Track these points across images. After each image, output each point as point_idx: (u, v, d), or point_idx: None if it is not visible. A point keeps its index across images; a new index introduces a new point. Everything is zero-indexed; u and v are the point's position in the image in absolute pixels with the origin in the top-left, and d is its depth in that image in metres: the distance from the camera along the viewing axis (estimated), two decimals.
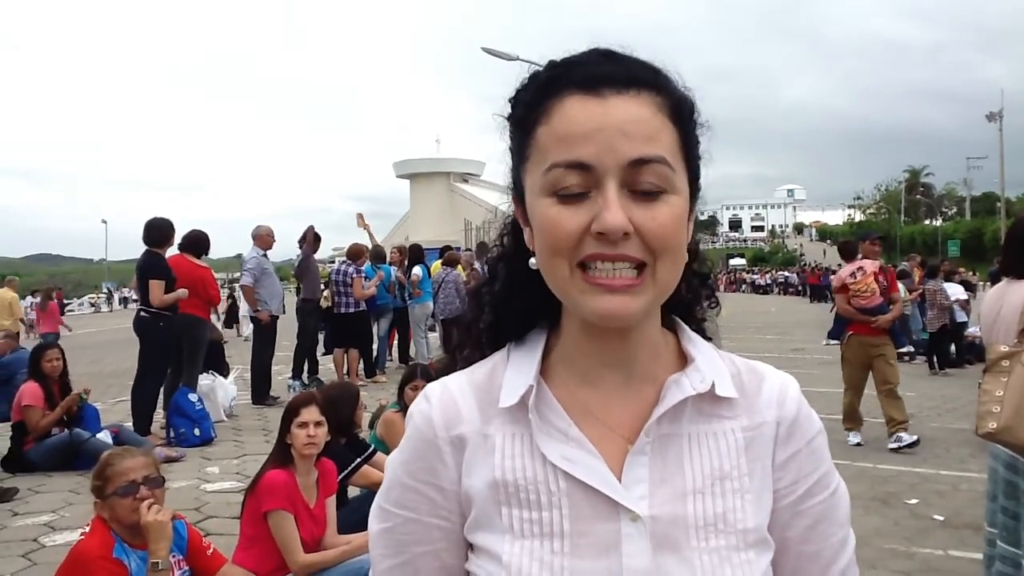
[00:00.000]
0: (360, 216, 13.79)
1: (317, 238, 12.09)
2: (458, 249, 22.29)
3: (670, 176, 0.86)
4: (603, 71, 0.88)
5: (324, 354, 12.52)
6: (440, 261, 14.13)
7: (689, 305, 1.05)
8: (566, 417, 0.93)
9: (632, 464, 0.90)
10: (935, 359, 13.65)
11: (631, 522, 0.87)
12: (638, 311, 0.87)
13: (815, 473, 0.97)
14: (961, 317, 13.53)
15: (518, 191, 0.96)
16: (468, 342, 1.06)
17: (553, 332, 0.99)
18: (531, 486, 0.90)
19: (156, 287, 8.11)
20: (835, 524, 0.98)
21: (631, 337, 0.94)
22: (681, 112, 0.91)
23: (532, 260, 0.93)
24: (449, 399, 0.97)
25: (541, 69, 0.94)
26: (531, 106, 0.91)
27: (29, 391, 7.00)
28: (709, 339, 1.05)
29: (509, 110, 0.96)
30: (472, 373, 1.00)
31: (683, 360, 0.98)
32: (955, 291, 13.93)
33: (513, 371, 0.96)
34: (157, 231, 8.48)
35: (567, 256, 0.86)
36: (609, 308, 0.86)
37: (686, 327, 1.02)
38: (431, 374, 5.53)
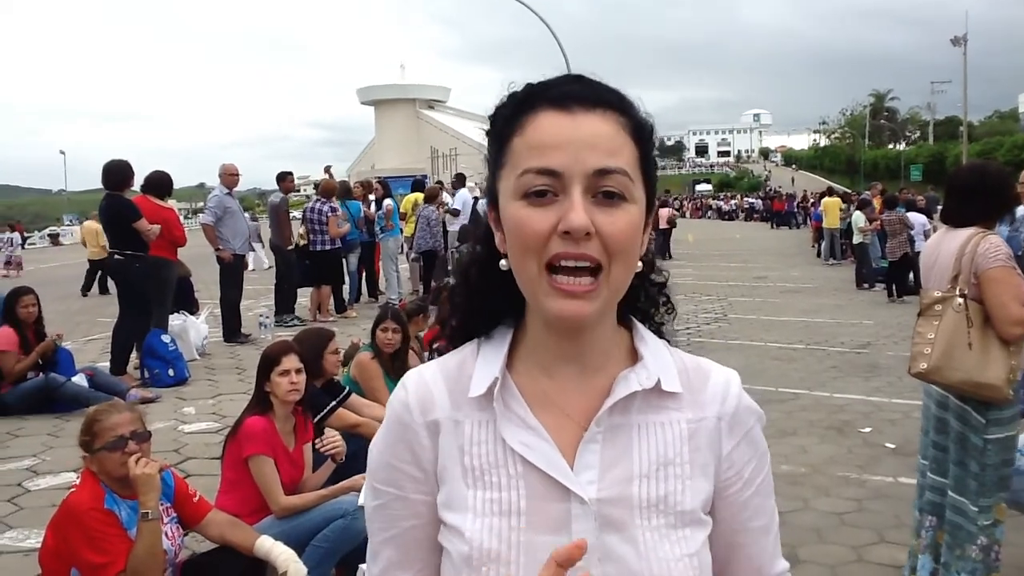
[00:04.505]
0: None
1: (288, 176, 12.28)
2: (424, 178, 22.29)
3: (629, 186, 0.97)
4: (574, 91, 0.99)
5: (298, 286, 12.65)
6: (415, 194, 14.41)
7: (647, 311, 1.15)
8: (525, 406, 1.03)
9: (584, 451, 1.01)
10: (894, 287, 14.03)
11: (580, 504, 0.99)
12: (592, 313, 0.98)
13: (756, 456, 1.10)
14: (920, 246, 13.83)
15: (492, 197, 1.05)
16: (442, 336, 1.19)
17: (519, 327, 1.09)
18: (493, 469, 1.02)
19: (145, 224, 8.21)
20: (770, 496, 1.13)
21: (585, 334, 1.04)
22: (641, 133, 1.02)
23: (503, 262, 1.03)
24: (424, 387, 1.08)
25: (519, 89, 1.03)
26: (508, 120, 1.01)
27: (3, 336, 7.03)
28: (667, 340, 1.14)
29: (489, 125, 1.06)
30: (444, 363, 1.11)
31: (634, 356, 1.08)
32: (919, 220, 14.25)
33: (482, 363, 1.06)
34: (116, 173, 8.45)
35: (536, 255, 0.96)
36: (567, 310, 0.97)
37: (640, 326, 1.11)
38: (401, 316, 5.65)
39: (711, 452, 1.07)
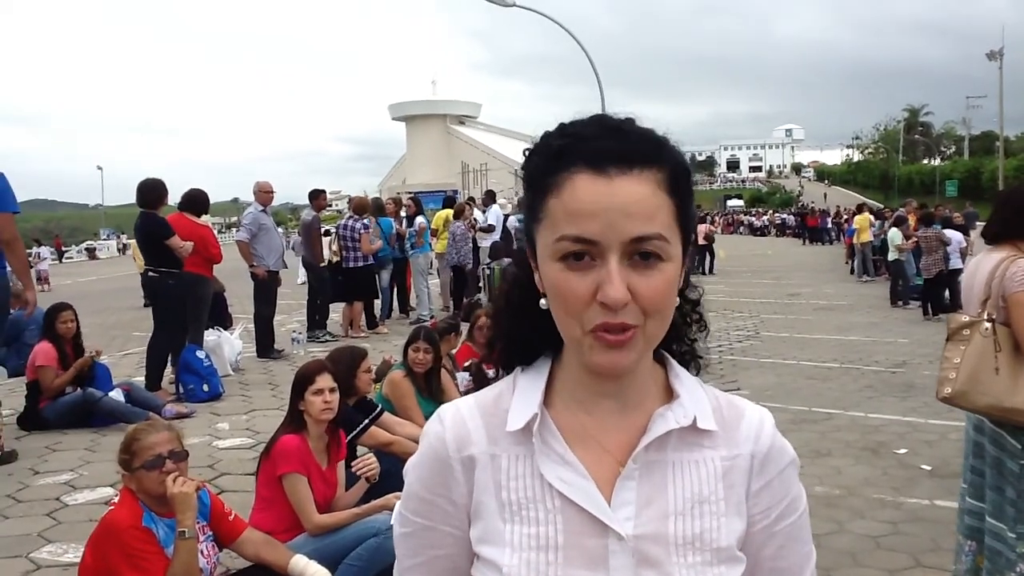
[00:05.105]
0: None
1: (321, 194, 12.48)
2: (455, 192, 22.42)
3: (666, 247, 0.98)
4: (610, 149, 0.98)
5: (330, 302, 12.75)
6: (446, 211, 14.51)
7: (680, 329, 1.16)
8: (563, 442, 1.05)
9: (621, 488, 1.03)
10: (929, 304, 13.87)
11: (617, 540, 1.00)
12: (631, 363, 1.00)
13: (786, 499, 1.10)
14: (955, 263, 13.68)
15: (531, 242, 1.06)
16: (488, 360, 1.22)
17: (556, 360, 1.12)
18: (531, 504, 1.04)
19: (177, 241, 8.33)
20: (802, 542, 1.12)
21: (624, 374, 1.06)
22: (678, 182, 1.01)
23: (543, 301, 1.05)
24: (461, 423, 1.09)
25: (553, 133, 1.03)
26: (544, 173, 1.01)
27: (43, 352, 7.12)
28: (700, 358, 1.17)
29: (524, 170, 1.07)
30: (481, 397, 1.13)
31: (670, 393, 1.10)
32: (956, 237, 14.10)
33: (519, 397, 1.08)
34: (151, 192, 8.57)
35: (578, 320, 0.98)
36: (607, 361, 0.99)
37: (674, 363, 1.13)
38: (433, 336, 5.67)
39: (743, 489, 1.08)
